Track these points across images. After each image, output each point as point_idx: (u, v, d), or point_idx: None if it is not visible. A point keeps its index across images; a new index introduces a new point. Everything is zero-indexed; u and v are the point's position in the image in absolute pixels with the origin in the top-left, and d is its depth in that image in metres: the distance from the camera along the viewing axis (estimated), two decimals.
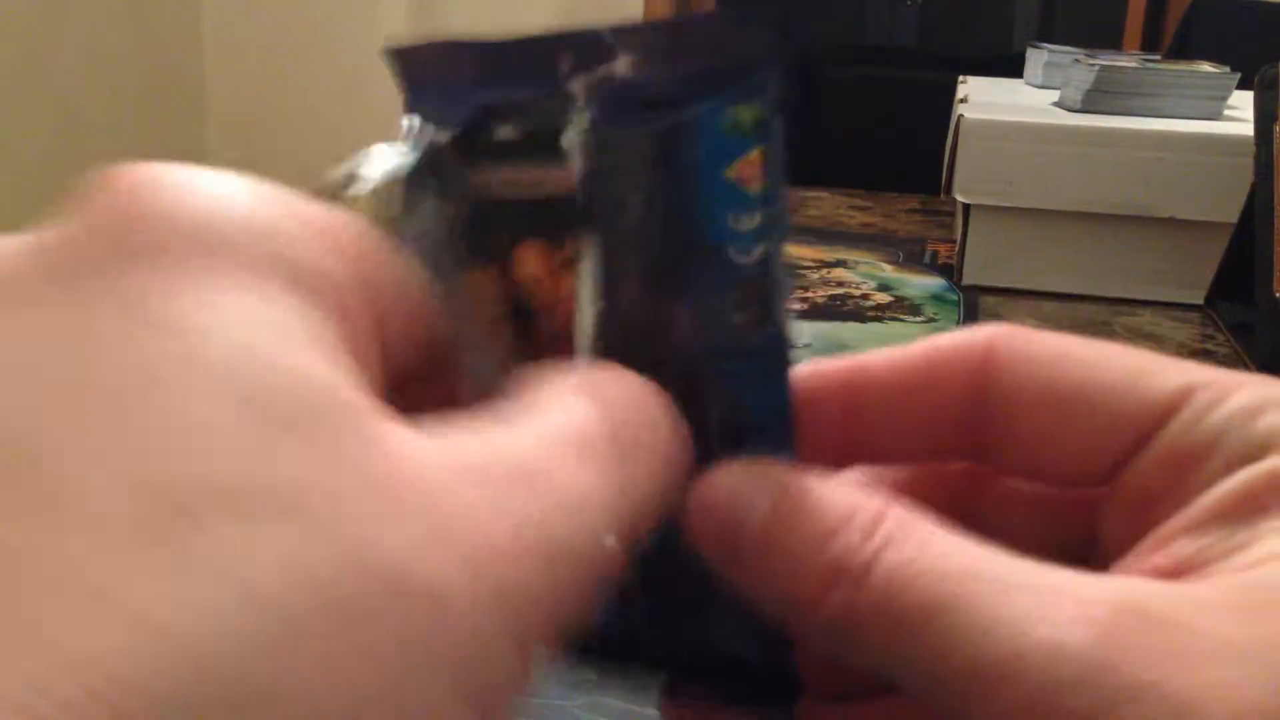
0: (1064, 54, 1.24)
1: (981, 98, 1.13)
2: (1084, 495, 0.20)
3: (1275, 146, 0.88)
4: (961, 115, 1.00)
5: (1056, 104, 1.12)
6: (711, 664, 0.20)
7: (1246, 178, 0.91)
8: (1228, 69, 1.08)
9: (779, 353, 0.19)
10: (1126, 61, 1.10)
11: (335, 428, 0.13)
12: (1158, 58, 1.21)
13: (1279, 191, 0.86)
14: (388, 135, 0.20)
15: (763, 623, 0.18)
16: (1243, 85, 1.03)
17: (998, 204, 1.00)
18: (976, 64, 1.45)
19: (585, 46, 0.19)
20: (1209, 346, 0.89)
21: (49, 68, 1.69)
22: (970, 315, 0.93)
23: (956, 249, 1.05)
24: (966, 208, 1.02)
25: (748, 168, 0.18)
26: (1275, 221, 0.85)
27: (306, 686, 0.12)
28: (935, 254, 1.13)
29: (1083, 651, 0.15)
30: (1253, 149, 0.91)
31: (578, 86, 0.19)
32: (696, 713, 0.21)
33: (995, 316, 0.94)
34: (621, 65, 0.19)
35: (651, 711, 0.21)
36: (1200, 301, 0.98)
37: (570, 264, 0.19)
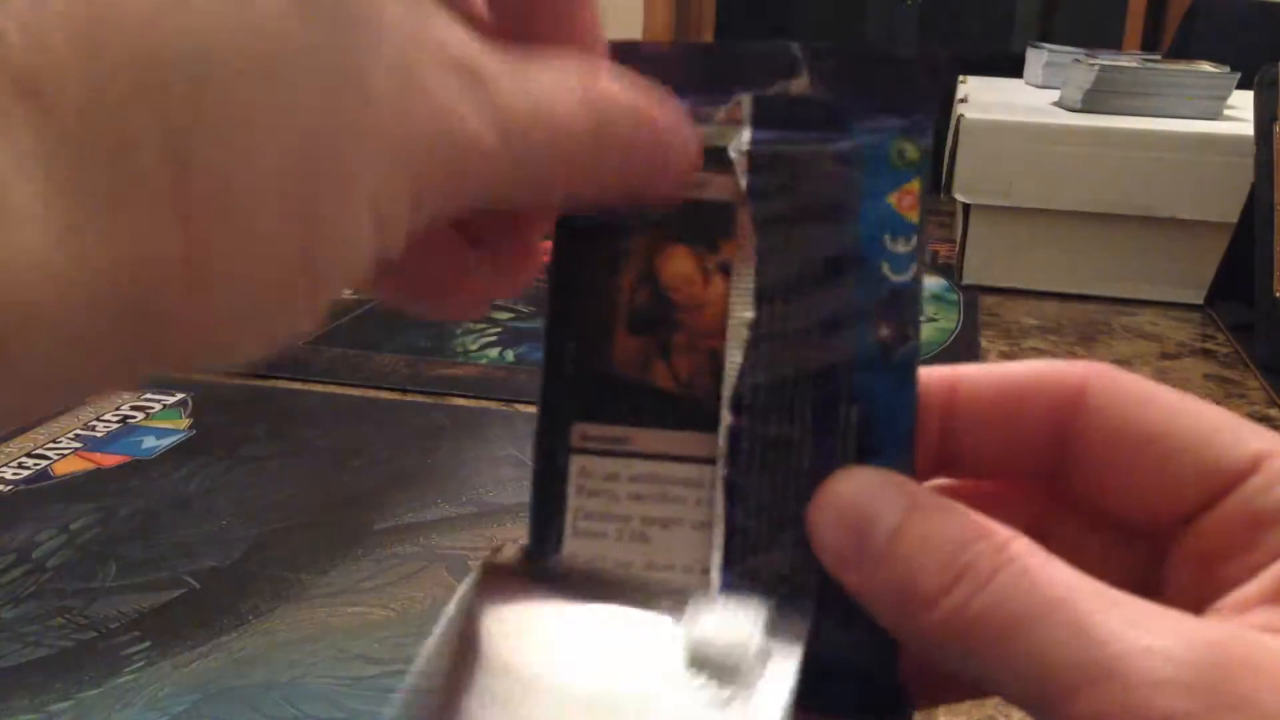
0: (1064, 54, 1.24)
1: (981, 98, 1.13)
2: (1149, 540, 0.21)
3: (1275, 146, 0.87)
4: (961, 115, 1.00)
5: (1056, 104, 1.12)
6: (832, 673, 0.21)
7: (1246, 178, 0.91)
8: (1228, 69, 1.08)
9: (913, 369, 0.21)
10: (1126, 61, 1.10)
11: None
12: (1158, 58, 1.21)
13: (1279, 191, 0.86)
14: None
15: (878, 634, 0.19)
16: (1243, 85, 1.03)
17: (998, 204, 1.00)
18: (976, 64, 1.44)
19: (768, 59, 0.21)
20: (1209, 346, 0.89)
21: None
22: (970, 315, 0.93)
23: (956, 249, 1.05)
24: (966, 208, 1.02)
25: (907, 196, 0.20)
26: (1275, 221, 0.85)
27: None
28: (935, 254, 1.13)
29: (1185, 659, 0.16)
30: (1253, 149, 0.90)
31: (749, 99, 0.21)
32: None
33: (995, 316, 0.94)
34: (799, 84, 0.21)
35: None
36: (1200, 301, 0.98)
37: (721, 269, 0.21)
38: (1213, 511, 0.19)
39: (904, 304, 0.20)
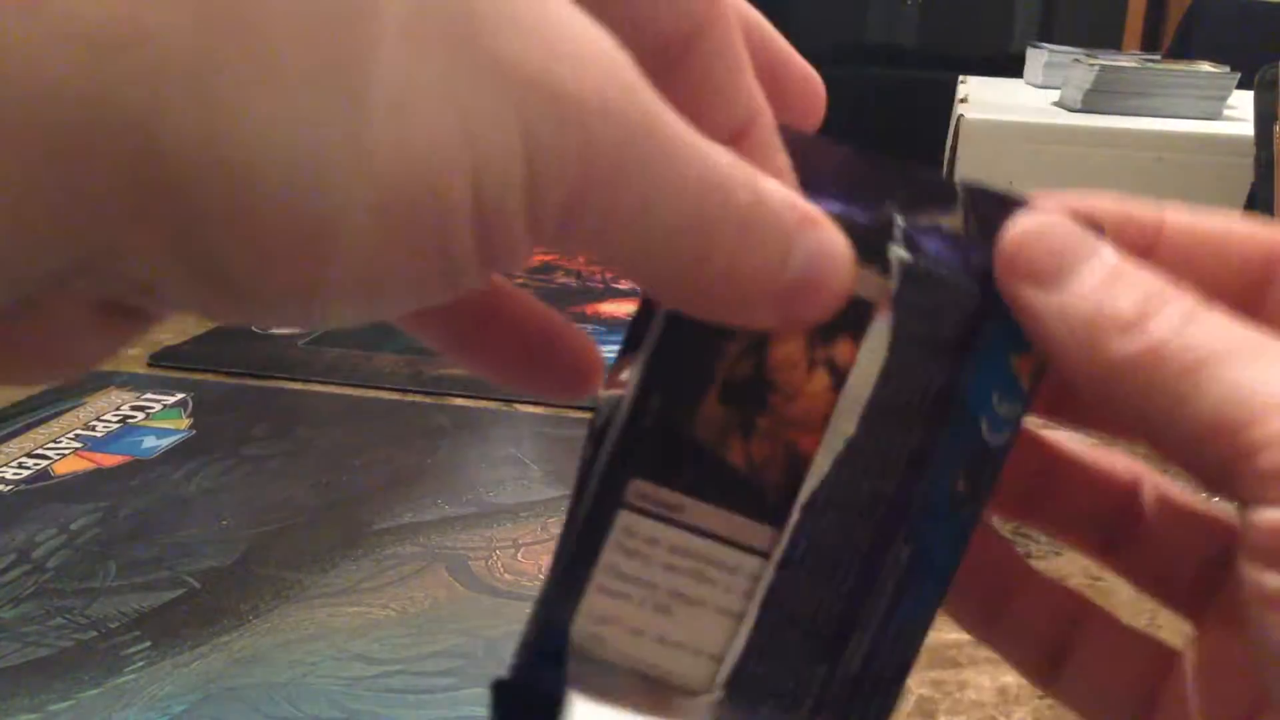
0: (1064, 54, 1.24)
1: (981, 98, 1.13)
2: None
3: (1275, 146, 0.87)
4: (961, 115, 1.00)
5: (1056, 104, 1.12)
6: None
7: (1246, 178, 0.91)
8: (1228, 69, 1.08)
9: (971, 529, 0.21)
10: (1126, 61, 1.10)
11: None
12: (1158, 58, 1.21)
13: (1279, 192, 0.86)
14: None
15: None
16: (1243, 85, 1.03)
17: None
18: (976, 64, 1.44)
19: (922, 182, 0.20)
20: None
21: None
22: None
23: None
24: None
25: (1026, 363, 0.20)
26: (1275, 222, 0.85)
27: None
28: None
29: None
30: (1253, 149, 0.90)
31: (903, 220, 0.20)
32: None
33: None
34: (953, 221, 0.20)
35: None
36: None
37: (826, 365, 0.20)
38: None
39: (989, 466, 0.21)
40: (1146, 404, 0.18)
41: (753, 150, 0.19)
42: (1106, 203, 0.21)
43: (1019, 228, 0.20)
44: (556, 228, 0.15)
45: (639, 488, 0.21)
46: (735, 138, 0.19)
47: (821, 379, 0.20)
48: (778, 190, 0.17)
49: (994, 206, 0.20)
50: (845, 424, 0.20)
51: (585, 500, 0.21)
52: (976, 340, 0.20)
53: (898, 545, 0.20)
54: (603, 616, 0.21)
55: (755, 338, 0.20)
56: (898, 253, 0.20)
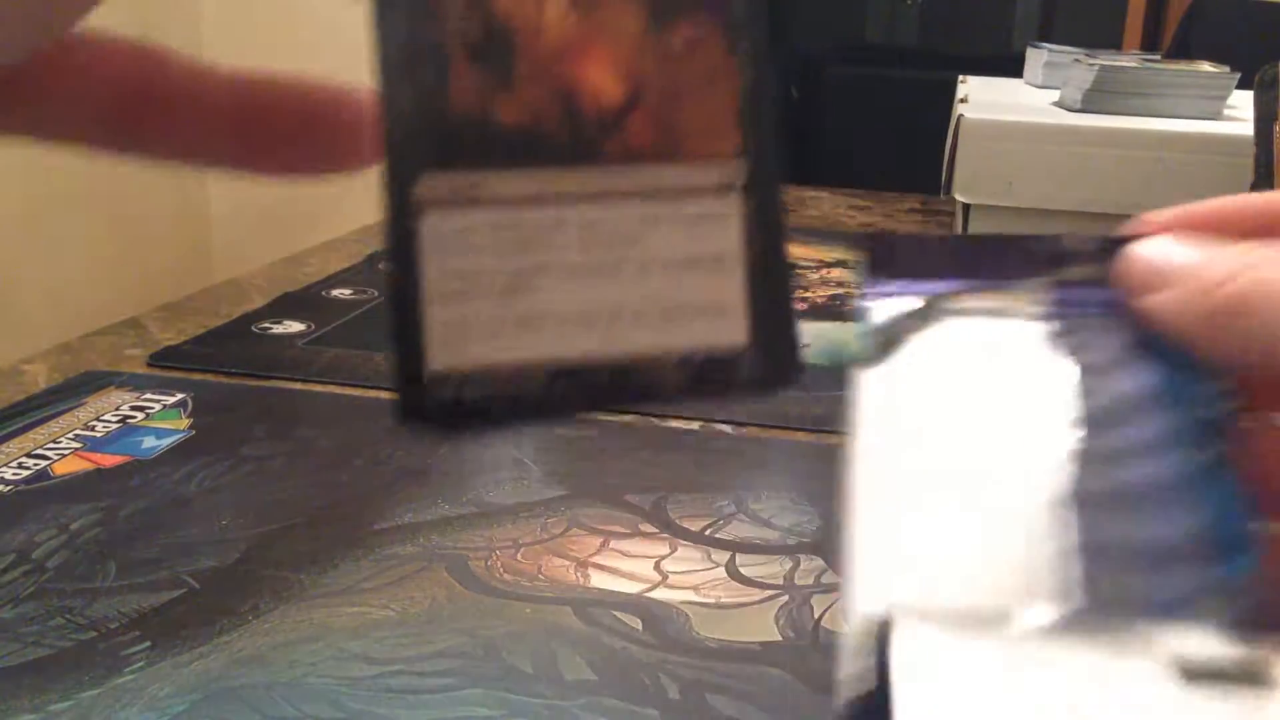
0: (1064, 54, 1.24)
1: (981, 98, 1.13)
2: None
3: (1275, 146, 0.87)
4: (961, 115, 1.00)
5: (1056, 104, 1.12)
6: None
7: (1246, 178, 0.91)
8: (1228, 69, 1.08)
9: None
10: (1126, 61, 1.10)
11: None
12: (1158, 58, 1.21)
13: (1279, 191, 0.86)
14: None
15: None
16: (1243, 85, 1.03)
17: (998, 204, 1.00)
18: (976, 64, 1.44)
19: (1043, 251, 0.22)
20: None
21: None
22: None
23: None
24: (966, 208, 1.02)
25: None
26: None
27: None
28: None
29: None
30: (1253, 149, 0.90)
31: (1044, 279, 0.22)
32: None
33: None
34: (1076, 271, 0.22)
35: (652, 711, 0.21)
36: None
37: None
38: None
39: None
40: (1248, 344, 0.20)
41: None
42: (1200, 207, 0.23)
43: (1123, 261, 0.22)
44: None
45: (427, 184, 0.19)
46: None
47: (557, 3, 0.19)
48: None
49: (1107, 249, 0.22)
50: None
51: (386, 223, 0.19)
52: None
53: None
54: (454, 325, 0.19)
55: None
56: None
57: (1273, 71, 0.90)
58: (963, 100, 1.11)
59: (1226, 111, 1.07)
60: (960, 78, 1.30)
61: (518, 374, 0.19)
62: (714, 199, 0.20)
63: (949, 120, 1.07)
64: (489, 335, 0.19)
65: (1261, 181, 0.88)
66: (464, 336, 0.19)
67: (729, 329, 0.20)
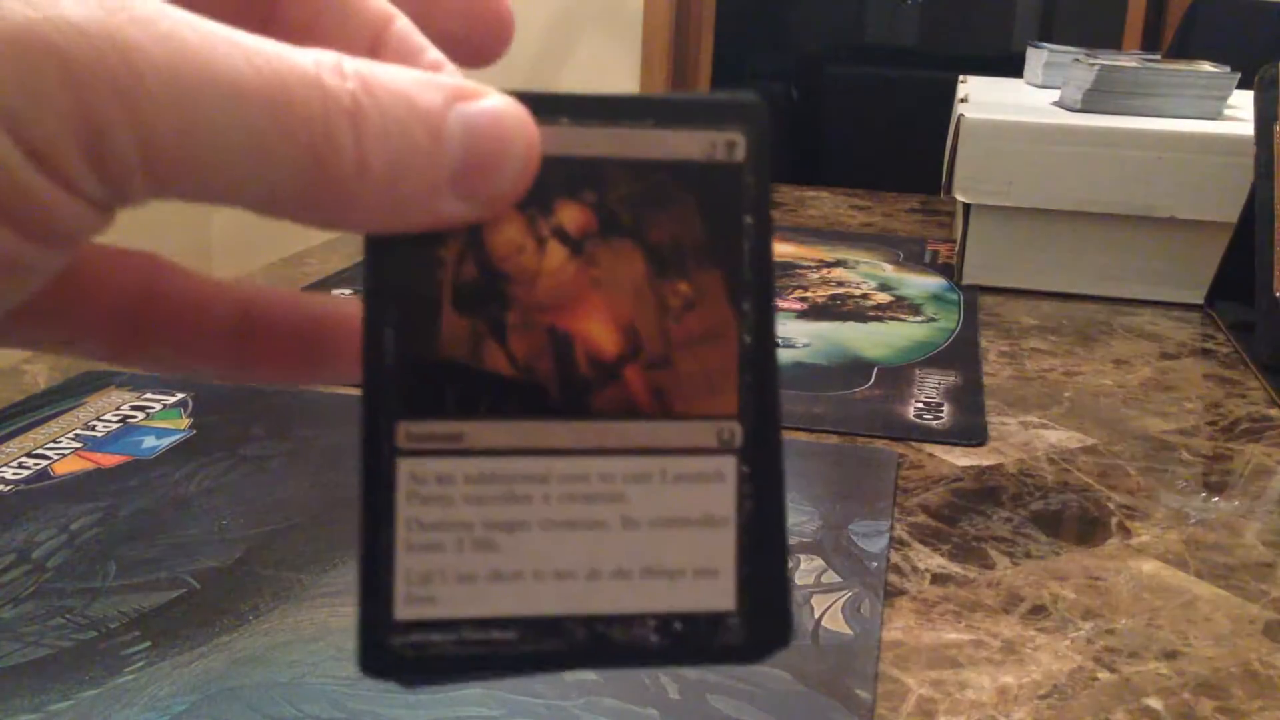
0: (1064, 54, 1.24)
1: (981, 98, 1.13)
2: None
3: (1275, 146, 0.87)
4: (961, 115, 1.00)
5: (1056, 104, 1.12)
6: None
7: (1246, 178, 0.91)
8: (1228, 69, 1.08)
9: None
10: (1126, 61, 1.10)
11: None
12: (1158, 58, 1.21)
13: (1279, 191, 0.86)
14: None
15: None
16: (1243, 85, 1.03)
17: (998, 204, 1.00)
18: (976, 64, 1.44)
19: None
20: (1209, 346, 0.89)
21: None
22: (970, 315, 0.93)
23: (956, 249, 1.05)
24: (966, 207, 1.02)
25: None
26: (1275, 221, 0.85)
27: None
28: (935, 254, 1.13)
29: None
30: (1253, 149, 0.90)
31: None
32: None
33: (995, 316, 0.94)
34: None
35: (652, 711, 0.21)
36: (1200, 301, 0.98)
37: (556, 235, 0.19)
38: None
39: None
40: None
41: (393, 53, 0.18)
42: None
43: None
44: (103, 172, 0.14)
45: (408, 430, 0.19)
46: (373, 48, 0.18)
47: (557, 252, 0.19)
48: (402, 74, 0.16)
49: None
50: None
51: (363, 466, 0.19)
52: None
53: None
54: (424, 576, 0.19)
55: (468, 235, 0.18)
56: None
57: (1273, 71, 0.90)
58: (963, 100, 1.11)
59: (1226, 111, 1.07)
60: (960, 78, 1.30)
61: (488, 627, 0.19)
62: (708, 459, 0.19)
63: (949, 120, 1.07)
64: (460, 587, 0.19)
65: (1262, 181, 0.88)
66: (433, 587, 0.19)
67: (716, 593, 0.19)
